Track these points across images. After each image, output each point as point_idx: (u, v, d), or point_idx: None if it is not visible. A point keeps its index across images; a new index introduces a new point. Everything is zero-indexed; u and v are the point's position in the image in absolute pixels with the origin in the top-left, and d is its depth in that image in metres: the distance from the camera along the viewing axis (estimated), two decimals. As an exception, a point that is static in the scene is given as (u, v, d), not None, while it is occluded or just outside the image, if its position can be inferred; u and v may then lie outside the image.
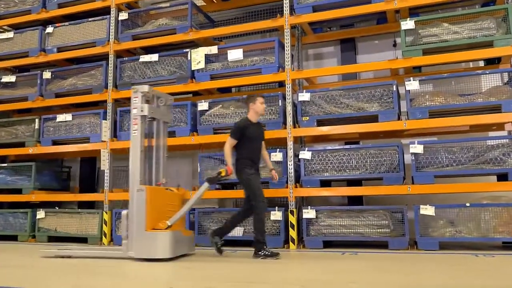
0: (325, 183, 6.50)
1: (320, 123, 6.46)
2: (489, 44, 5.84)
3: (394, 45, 7.85)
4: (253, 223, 5.19)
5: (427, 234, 5.80)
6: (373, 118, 6.18)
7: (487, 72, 5.90)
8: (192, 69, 7.25)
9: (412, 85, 6.00)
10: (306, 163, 6.39)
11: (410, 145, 5.93)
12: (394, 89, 6.10)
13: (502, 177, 5.86)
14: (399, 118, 6.13)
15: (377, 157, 6.13)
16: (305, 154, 6.39)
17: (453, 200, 6.39)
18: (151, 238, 4.95)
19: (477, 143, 5.81)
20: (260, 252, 5.07)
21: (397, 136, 6.89)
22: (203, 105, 7.08)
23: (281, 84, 7.16)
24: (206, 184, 5.20)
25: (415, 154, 5.91)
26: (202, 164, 6.98)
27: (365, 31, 7.71)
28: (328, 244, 6.26)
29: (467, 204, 5.72)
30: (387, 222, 5.98)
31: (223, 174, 5.14)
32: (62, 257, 5.36)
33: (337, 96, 6.39)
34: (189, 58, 7.29)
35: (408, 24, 6.13)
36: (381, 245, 5.98)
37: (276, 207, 6.34)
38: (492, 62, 6.65)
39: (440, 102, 5.94)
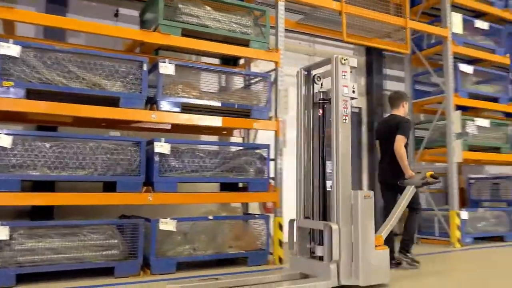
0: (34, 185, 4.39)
1: (31, 93, 4.27)
2: (245, 43, 5.37)
3: (116, 15, 6.37)
4: (409, 225, 5.00)
5: (163, 254, 4.72)
6: (113, 102, 4.59)
7: (248, 73, 5.43)
8: None
9: (168, 69, 4.81)
10: (1, 152, 4.08)
11: (155, 143, 4.71)
12: (145, 68, 4.72)
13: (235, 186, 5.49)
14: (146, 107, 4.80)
15: (112, 154, 4.56)
16: (2, 140, 4.06)
17: (184, 212, 5.54)
18: (377, 258, 3.95)
19: (225, 148, 5.22)
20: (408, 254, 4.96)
21: (125, 129, 5.48)
22: None
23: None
24: (413, 189, 4.67)
25: (159, 155, 4.73)
26: None
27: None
28: (25, 278, 4.17)
29: (210, 218, 5.02)
30: (116, 241, 4.51)
31: (430, 177, 4.68)
32: None
33: (64, 61, 4.39)
34: None
35: (169, -8, 4.91)
36: (108, 271, 4.45)
37: None
38: (227, 62, 6.27)
39: (195, 96, 5.01)
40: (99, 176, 4.47)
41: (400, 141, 4.77)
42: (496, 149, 7.33)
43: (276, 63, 5.47)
